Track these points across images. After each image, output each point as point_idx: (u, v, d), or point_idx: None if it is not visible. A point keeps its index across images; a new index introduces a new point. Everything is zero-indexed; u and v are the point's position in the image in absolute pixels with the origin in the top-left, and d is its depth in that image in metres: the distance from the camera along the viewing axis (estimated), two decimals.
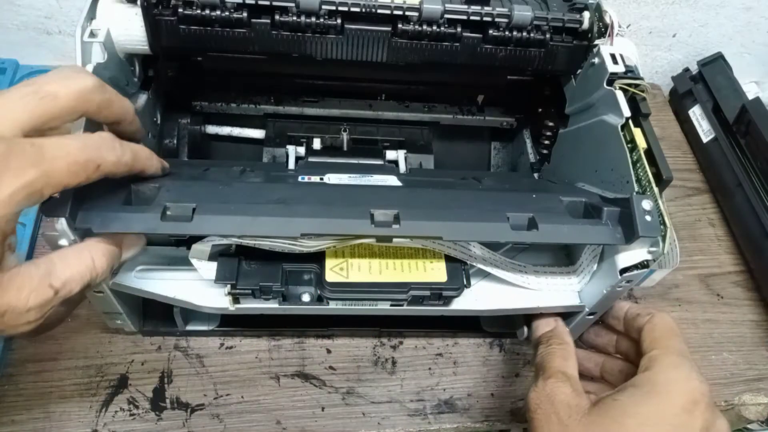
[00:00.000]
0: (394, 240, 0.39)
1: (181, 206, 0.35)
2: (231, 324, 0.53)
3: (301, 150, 0.57)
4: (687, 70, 0.83)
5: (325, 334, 0.54)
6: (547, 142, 0.57)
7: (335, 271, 0.42)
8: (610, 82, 0.45)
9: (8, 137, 0.28)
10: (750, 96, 0.74)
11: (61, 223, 0.32)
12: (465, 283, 0.43)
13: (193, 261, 0.41)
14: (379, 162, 0.57)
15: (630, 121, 0.43)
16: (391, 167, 0.56)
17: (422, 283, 0.42)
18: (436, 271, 0.43)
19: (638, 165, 0.42)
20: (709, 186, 0.75)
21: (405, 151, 0.58)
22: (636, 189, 0.41)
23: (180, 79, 0.55)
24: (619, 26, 0.47)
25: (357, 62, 0.48)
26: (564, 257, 0.49)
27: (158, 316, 0.51)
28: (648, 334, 0.41)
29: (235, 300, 0.42)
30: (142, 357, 0.51)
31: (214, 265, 0.41)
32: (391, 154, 0.58)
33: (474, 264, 0.44)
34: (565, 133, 0.54)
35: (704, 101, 0.77)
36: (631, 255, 0.40)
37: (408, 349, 0.55)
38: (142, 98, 0.49)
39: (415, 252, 0.43)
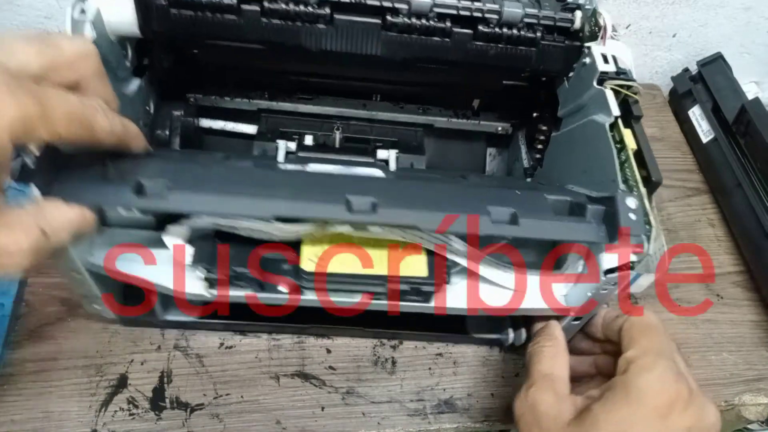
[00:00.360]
0: (371, 230, 0.39)
1: (157, 182, 0.35)
2: (214, 317, 0.52)
3: (292, 145, 0.57)
4: (687, 70, 0.83)
5: (319, 333, 0.54)
6: (540, 146, 0.57)
7: (312, 260, 0.41)
8: (601, 82, 0.45)
9: (14, 71, 0.28)
10: (749, 96, 0.74)
11: (35, 191, 0.32)
12: (446, 279, 0.42)
13: (166, 241, 0.40)
14: (370, 160, 0.57)
15: (620, 121, 0.43)
16: (382, 165, 0.56)
17: (402, 278, 0.41)
18: (417, 266, 0.42)
19: (626, 165, 0.42)
20: (709, 186, 0.75)
21: (397, 150, 0.58)
22: (621, 188, 0.41)
23: (175, 69, 0.54)
24: (614, 30, 0.47)
25: (352, 59, 0.48)
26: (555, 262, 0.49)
27: (139, 304, 0.50)
28: (626, 334, 0.40)
29: (211, 285, 0.42)
30: (141, 357, 0.51)
31: (191, 249, 0.40)
32: (382, 154, 0.58)
33: (455, 260, 0.43)
34: (556, 136, 0.54)
35: (704, 101, 0.77)
36: (613, 258, 0.39)
37: (408, 349, 0.55)
38: (134, 84, 0.49)
39: (396, 246, 0.42)
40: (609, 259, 0.39)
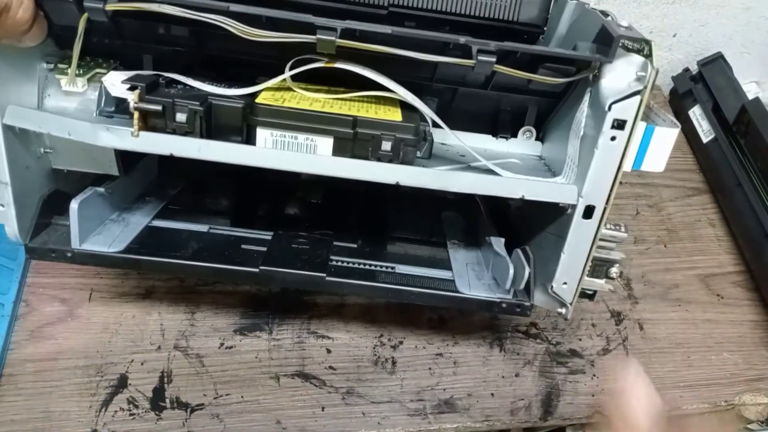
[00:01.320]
0: (352, 28, 0.33)
1: None
2: (137, 252, 0.43)
3: None
4: (687, 70, 0.83)
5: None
6: None
7: (269, 99, 0.36)
8: None
9: None
10: (750, 96, 0.74)
11: None
12: (423, 137, 0.37)
13: (106, 81, 0.36)
14: None
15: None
16: None
17: (372, 119, 0.35)
18: (390, 114, 0.36)
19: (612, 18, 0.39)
20: (709, 186, 0.75)
21: None
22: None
23: None
24: None
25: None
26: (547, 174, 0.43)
27: (52, 234, 0.43)
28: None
29: (143, 123, 0.34)
30: (141, 357, 0.51)
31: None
32: None
33: (432, 117, 0.38)
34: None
35: (704, 101, 0.77)
36: (616, 78, 0.34)
37: (408, 348, 0.55)
38: None
39: (367, 102, 0.38)
40: (609, 85, 0.34)
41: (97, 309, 0.53)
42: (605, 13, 0.39)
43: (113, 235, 0.45)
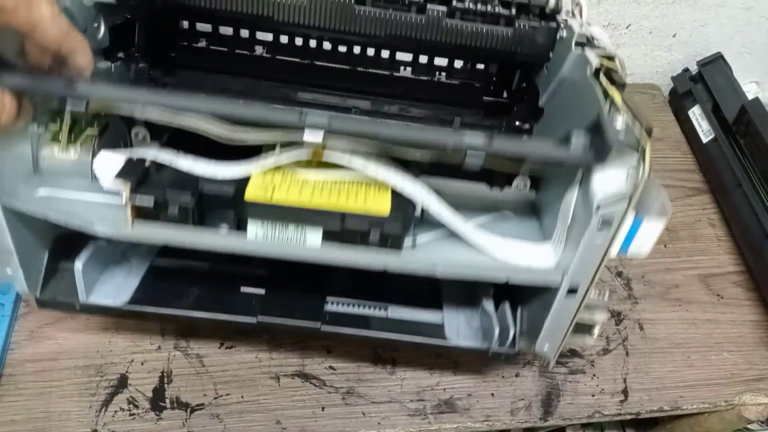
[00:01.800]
0: (330, 155, 0.35)
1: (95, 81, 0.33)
2: (141, 302, 0.45)
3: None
4: (687, 70, 0.83)
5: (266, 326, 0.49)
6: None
7: (257, 190, 0.36)
8: (579, 46, 0.41)
9: None
10: (749, 96, 0.74)
11: None
12: (412, 225, 0.38)
13: (96, 168, 0.37)
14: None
15: (602, 76, 0.38)
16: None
17: (359, 214, 0.36)
18: (378, 205, 0.37)
19: (612, 109, 0.37)
20: (709, 186, 0.75)
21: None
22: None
23: (153, 54, 0.52)
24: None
25: (330, 68, 0.46)
26: (538, 231, 0.44)
27: (60, 283, 0.44)
28: None
29: (136, 213, 0.36)
30: (141, 357, 0.51)
31: (120, 158, 0.37)
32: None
33: (425, 207, 0.39)
34: (538, 125, 0.50)
35: (704, 101, 0.77)
36: (606, 179, 0.34)
37: (408, 348, 0.55)
38: (102, 66, 0.46)
39: (357, 185, 0.38)
40: (599, 186, 0.34)
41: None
42: (610, 77, 0.38)
43: (118, 283, 0.46)
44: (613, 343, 0.59)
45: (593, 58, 0.39)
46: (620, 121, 0.33)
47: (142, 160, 0.37)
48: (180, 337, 0.53)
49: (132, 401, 0.49)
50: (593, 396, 0.55)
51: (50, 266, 0.43)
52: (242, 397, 0.50)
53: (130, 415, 0.48)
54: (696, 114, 0.78)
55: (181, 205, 0.36)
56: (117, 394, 0.49)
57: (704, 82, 0.78)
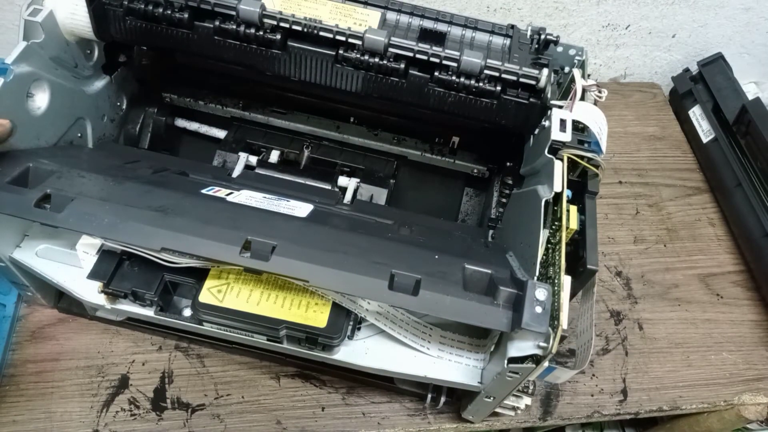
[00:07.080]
0: (269, 272, 0.37)
1: (61, 196, 0.36)
2: (137, 320, 0.50)
3: (253, 159, 0.56)
4: (687, 70, 0.83)
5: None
6: (504, 200, 0.53)
7: (212, 292, 0.40)
8: (554, 151, 0.40)
9: None
10: (750, 96, 0.74)
11: None
12: (347, 334, 0.41)
13: (79, 252, 0.42)
14: (327, 187, 0.54)
15: (564, 198, 0.38)
16: (337, 194, 0.52)
17: (298, 325, 0.40)
18: (317, 315, 0.40)
19: (556, 248, 0.37)
20: (709, 186, 0.75)
21: (358, 180, 0.55)
22: (538, 273, 0.36)
23: (153, 69, 0.55)
24: (599, 92, 0.43)
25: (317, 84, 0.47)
26: (482, 330, 0.44)
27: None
28: None
29: (111, 299, 0.42)
30: (143, 357, 0.52)
31: (92, 260, 0.42)
32: (342, 181, 0.55)
33: (363, 316, 0.41)
34: (515, 195, 0.49)
35: (704, 101, 0.77)
36: (520, 346, 0.36)
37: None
38: (101, 82, 0.51)
39: (303, 291, 0.41)
40: (514, 348, 0.36)
41: None
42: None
43: None
44: (612, 343, 0.59)
45: (557, 180, 0.38)
46: (542, 294, 0.34)
47: (116, 255, 0.42)
48: (181, 337, 0.53)
49: (133, 401, 0.49)
50: (592, 396, 0.55)
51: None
52: (243, 397, 0.50)
53: (132, 415, 0.49)
54: (696, 114, 0.78)
55: (147, 299, 0.42)
56: (118, 395, 0.49)
57: (704, 83, 0.78)
